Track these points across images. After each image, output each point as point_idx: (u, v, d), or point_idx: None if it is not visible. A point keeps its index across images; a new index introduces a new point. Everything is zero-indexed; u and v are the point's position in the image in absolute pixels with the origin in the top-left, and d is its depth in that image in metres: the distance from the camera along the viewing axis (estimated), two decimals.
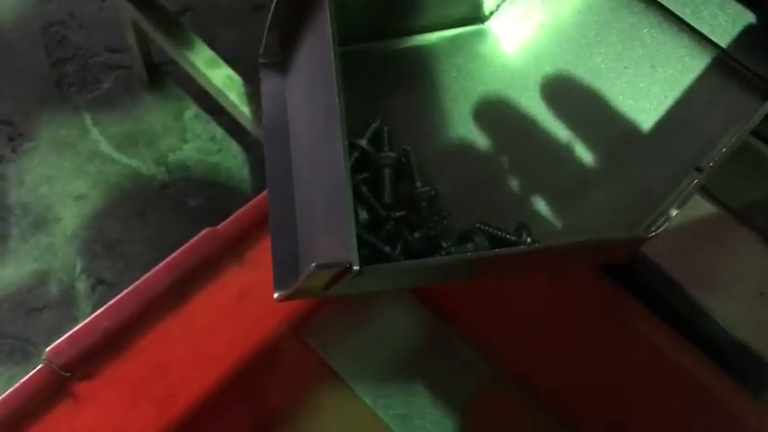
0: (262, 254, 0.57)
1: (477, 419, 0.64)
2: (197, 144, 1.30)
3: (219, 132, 1.31)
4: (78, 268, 1.19)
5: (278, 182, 0.43)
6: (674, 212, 0.34)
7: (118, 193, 1.24)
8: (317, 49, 0.39)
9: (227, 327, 0.59)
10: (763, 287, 0.51)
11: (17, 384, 0.49)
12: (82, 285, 1.18)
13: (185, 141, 1.30)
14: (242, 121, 1.16)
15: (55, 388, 0.49)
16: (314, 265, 0.33)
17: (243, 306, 0.59)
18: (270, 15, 0.42)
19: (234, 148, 1.29)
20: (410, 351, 0.66)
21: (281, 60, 0.44)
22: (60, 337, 0.48)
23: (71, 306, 1.16)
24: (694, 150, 0.37)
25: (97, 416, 0.52)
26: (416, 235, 0.41)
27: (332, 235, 0.35)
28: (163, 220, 1.24)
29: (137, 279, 0.51)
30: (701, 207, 0.49)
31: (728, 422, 0.54)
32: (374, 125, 0.44)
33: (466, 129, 0.44)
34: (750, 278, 0.51)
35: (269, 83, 0.45)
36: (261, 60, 0.45)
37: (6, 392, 0.48)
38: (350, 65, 0.39)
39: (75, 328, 0.49)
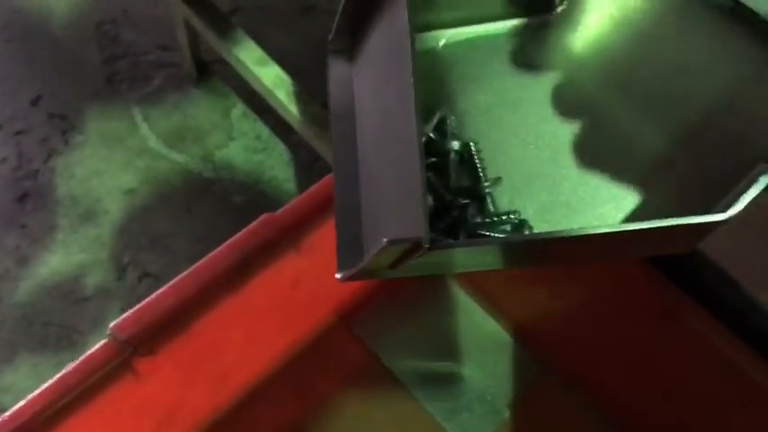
0: (317, 241, 0.58)
1: (525, 417, 0.64)
2: (243, 142, 1.32)
3: (265, 131, 1.33)
4: (125, 260, 1.21)
5: (343, 165, 0.44)
6: (743, 201, 0.34)
7: (165, 187, 1.27)
8: (392, 35, 0.40)
9: (280, 312, 0.60)
10: None
11: (81, 357, 0.50)
12: (128, 277, 1.20)
13: (232, 139, 1.32)
14: (289, 120, 1.18)
15: (117, 362, 0.50)
16: (386, 240, 0.34)
17: (296, 293, 0.60)
18: (342, 2, 0.43)
19: (279, 147, 1.31)
20: (459, 345, 0.66)
21: (350, 46, 0.45)
22: (108, 326, 0.50)
23: (117, 297, 1.18)
24: (759, 141, 0.37)
25: (156, 392, 0.53)
26: (479, 219, 0.42)
27: (403, 212, 0.36)
28: (208, 215, 1.26)
29: (182, 272, 0.53)
30: (763, 204, 0.49)
31: None
32: (439, 114, 0.45)
33: (532, 119, 0.44)
34: None
35: (337, 68, 0.46)
36: (330, 47, 0.46)
37: (70, 365, 0.50)
38: (418, 52, 0.40)
39: (137, 306, 0.51)
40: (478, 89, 0.45)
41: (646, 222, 0.33)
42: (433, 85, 0.45)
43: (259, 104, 1.27)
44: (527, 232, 0.41)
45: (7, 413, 0.47)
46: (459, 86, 0.45)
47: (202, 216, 1.25)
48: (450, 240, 0.39)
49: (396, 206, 0.37)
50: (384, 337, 0.66)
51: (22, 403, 0.48)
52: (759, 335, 0.53)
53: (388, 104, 0.40)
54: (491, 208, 0.42)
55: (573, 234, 0.34)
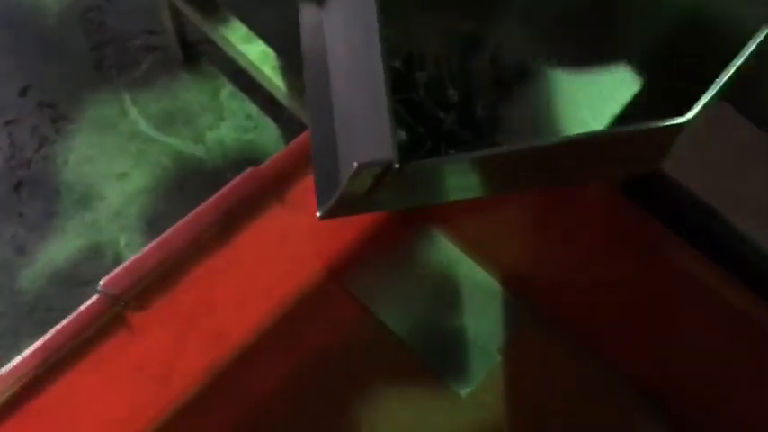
0: (303, 195, 0.59)
1: (516, 361, 0.65)
2: (233, 121, 1.32)
3: (255, 110, 1.33)
4: (122, 243, 1.22)
5: (317, 105, 0.45)
6: (701, 104, 0.34)
7: (158, 170, 1.28)
8: None
9: (270, 267, 0.61)
10: None
11: (73, 313, 0.51)
12: (126, 260, 1.21)
13: (222, 119, 1.32)
14: (277, 95, 1.18)
15: (109, 317, 0.51)
16: (356, 164, 0.35)
17: (284, 248, 0.61)
18: None
19: (269, 124, 1.32)
20: (449, 294, 0.67)
21: None
22: None
23: None
24: (729, 46, 0.37)
25: (149, 347, 0.54)
26: (452, 152, 0.43)
27: (373, 137, 0.36)
28: (202, 196, 1.25)
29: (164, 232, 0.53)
30: (739, 132, 0.50)
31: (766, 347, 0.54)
32: (406, 47, 0.45)
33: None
34: None
35: (307, 14, 0.47)
36: None
37: (63, 321, 0.51)
38: None
39: (126, 261, 0.52)
40: (436, 18, 0.46)
41: (612, 129, 0.34)
42: (401, 18, 0.45)
43: (247, 83, 1.27)
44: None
45: (4, 369, 0.48)
46: (417, 17, 0.46)
47: (196, 196, 1.25)
48: (424, 160, 0.40)
49: (366, 134, 0.38)
50: (373, 288, 0.66)
51: (17, 360, 0.49)
52: (739, 261, 0.54)
53: (355, 40, 0.41)
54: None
55: (536, 145, 0.35)
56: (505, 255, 0.66)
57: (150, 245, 0.53)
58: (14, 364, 0.49)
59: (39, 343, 0.50)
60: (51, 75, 1.35)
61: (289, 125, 1.31)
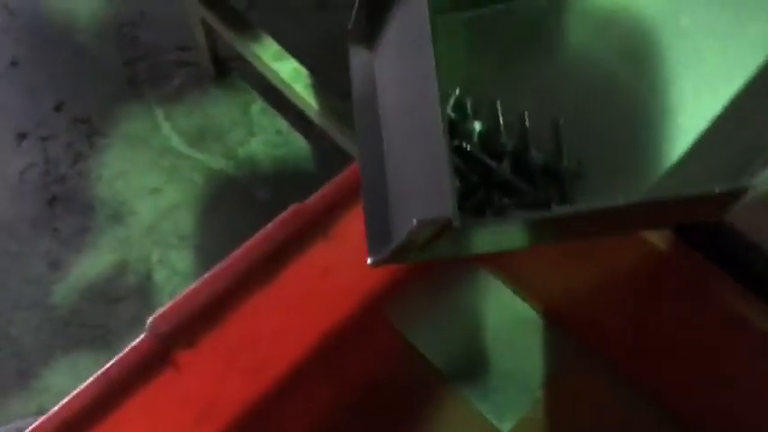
0: (346, 229, 0.59)
1: (559, 398, 0.64)
2: (264, 137, 1.33)
3: (285, 126, 1.34)
4: (154, 259, 1.23)
5: (369, 152, 0.45)
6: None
7: (190, 186, 1.28)
8: (410, 20, 0.40)
9: (312, 302, 0.61)
10: None
11: (121, 353, 0.51)
12: (158, 276, 1.22)
13: (252, 135, 1.33)
14: (308, 113, 1.19)
15: (157, 356, 0.51)
16: (416, 220, 0.35)
17: (328, 282, 0.61)
18: None
19: (299, 140, 1.32)
20: (491, 328, 0.67)
21: (369, 33, 0.46)
22: (141, 325, 0.51)
23: (148, 296, 1.20)
24: None
25: (194, 384, 0.54)
26: (506, 201, 0.42)
27: (431, 193, 0.36)
28: (233, 211, 1.27)
29: (210, 269, 0.53)
30: None
31: None
32: (455, 94, 0.45)
33: (549, 95, 0.44)
34: None
35: (358, 56, 0.47)
36: (350, 36, 0.46)
37: (113, 360, 0.51)
38: (437, 35, 0.40)
39: (174, 300, 0.52)
40: (492, 67, 0.46)
41: (668, 193, 0.34)
42: (451, 67, 0.45)
43: (278, 99, 1.28)
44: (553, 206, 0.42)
45: (53, 409, 0.49)
46: (477, 66, 0.46)
47: (228, 212, 1.27)
48: (480, 218, 0.39)
49: (423, 188, 0.38)
50: (415, 321, 0.66)
51: (66, 400, 0.49)
52: None
53: (409, 89, 0.41)
54: (517, 186, 0.43)
55: (597, 207, 0.34)
56: (549, 289, 0.65)
57: (198, 282, 0.53)
58: (63, 403, 0.49)
59: (87, 383, 0.50)
60: (85, 90, 1.36)
61: (319, 142, 1.31)
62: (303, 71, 1.18)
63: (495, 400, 0.65)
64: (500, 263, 0.68)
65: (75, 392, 0.49)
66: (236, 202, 1.27)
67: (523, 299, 0.67)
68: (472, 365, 0.66)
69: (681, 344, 0.61)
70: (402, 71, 0.42)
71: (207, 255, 1.23)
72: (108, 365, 0.50)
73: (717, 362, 0.59)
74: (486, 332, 0.67)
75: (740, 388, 0.58)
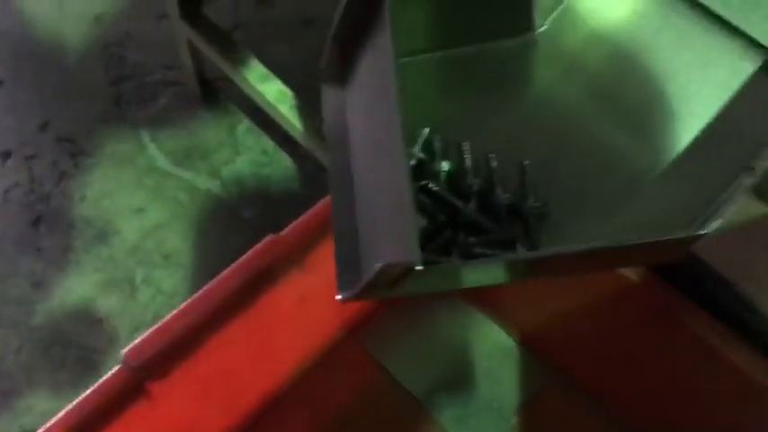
0: (321, 259, 0.59)
1: (533, 422, 0.65)
2: (249, 157, 1.33)
3: (271, 146, 1.34)
4: (139, 279, 1.23)
5: (340, 188, 0.45)
6: (726, 212, 0.35)
7: (175, 205, 1.29)
8: (378, 62, 0.41)
9: (288, 331, 0.61)
10: None
11: (95, 384, 0.52)
12: (142, 296, 1.22)
13: (238, 154, 1.33)
14: (293, 134, 1.19)
15: (131, 387, 0.52)
16: (380, 264, 0.35)
17: (303, 310, 0.61)
18: (332, 30, 0.44)
19: (285, 160, 1.33)
20: (466, 354, 0.67)
21: (341, 73, 0.47)
22: (124, 345, 0.51)
23: (132, 316, 1.20)
24: (745, 151, 0.38)
25: (170, 415, 0.55)
26: (472, 239, 0.43)
27: (396, 236, 0.37)
28: (218, 231, 1.27)
29: (195, 288, 0.54)
30: (752, 208, 0.50)
31: None
32: (425, 135, 0.46)
33: (516, 135, 0.45)
34: None
35: (330, 94, 0.47)
36: (322, 75, 0.47)
37: (85, 393, 0.51)
38: (403, 76, 0.41)
39: (148, 331, 0.52)
40: (461, 108, 0.47)
41: (629, 239, 0.34)
42: (420, 107, 0.46)
43: (263, 119, 1.28)
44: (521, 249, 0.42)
45: None
46: (446, 106, 0.47)
47: (212, 232, 1.27)
48: (444, 262, 0.40)
49: (388, 230, 0.38)
50: (392, 349, 0.67)
51: (41, 430, 0.50)
52: (756, 334, 0.54)
53: (376, 130, 0.41)
54: (483, 224, 0.43)
55: (556, 252, 0.35)
56: (525, 318, 0.66)
57: (171, 314, 0.53)
58: None
59: (61, 414, 0.50)
60: (71, 109, 1.37)
61: (305, 161, 1.32)
62: (288, 92, 1.19)
63: (472, 427, 0.65)
64: (478, 292, 0.68)
65: (48, 424, 0.49)
66: (221, 222, 1.28)
67: (500, 327, 0.68)
68: (448, 393, 0.66)
69: (653, 371, 0.62)
70: (370, 112, 0.43)
71: (192, 274, 1.23)
72: (82, 397, 0.51)
73: (690, 388, 0.60)
74: (463, 360, 0.67)
75: (710, 414, 0.59)
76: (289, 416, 0.63)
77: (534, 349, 0.66)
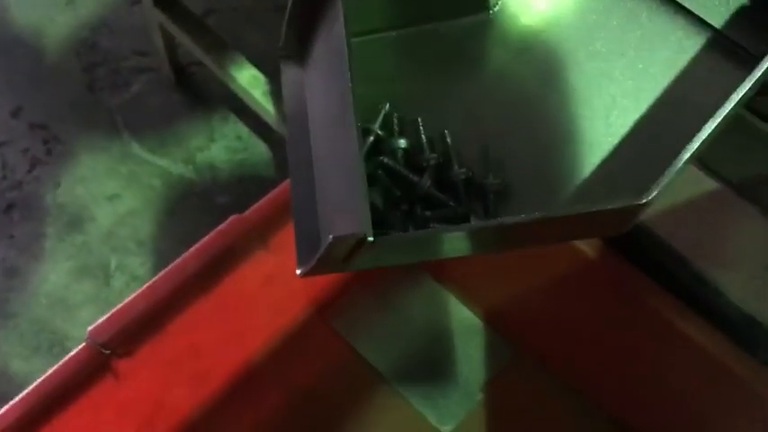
0: (286, 239, 0.60)
1: (499, 399, 0.66)
2: (224, 143, 1.33)
3: (245, 131, 1.34)
4: (113, 265, 1.23)
5: (299, 166, 0.46)
6: (663, 182, 0.36)
7: (149, 192, 1.29)
8: (332, 41, 0.42)
9: (255, 310, 0.62)
10: (767, 260, 0.52)
11: (60, 362, 0.52)
12: (116, 282, 1.22)
13: (212, 140, 1.34)
14: (267, 119, 1.20)
15: (96, 365, 0.52)
16: (331, 236, 0.36)
17: (269, 290, 0.62)
18: (287, 11, 0.45)
19: (259, 146, 1.33)
20: (433, 332, 0.68)
21: (299, 53, 0.47)
22: None
23: (106, 302, 1.20)
24: (691, 126, 0.39)
25: (136, 392, 0.55)
26: (428, 213, 0.44)
27: (348, 209, 0.38)
28: (192, 217, 1.28)
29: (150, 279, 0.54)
30: (705, 183, 0.51)
31: (740, 393, 0.56)
32: (384, 111, 0.47)
33: (472, 113, 0.46)
34: (755, 252, 0.53)
35: (289, 74, 0.48)
36: (280, 53, 0.48)
37: (50, 369, 0.52)
38: (361, 55, 0.42)
39: (113, 309, 0.53)
40: (421, 86, 0.47)
41: (571, 209, 0.35)
42: (377, 85, 0.47)
43: (238, 105, 1.28)
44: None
45: None
46: (402, 84, 0.47)
47: (187, 218, 1.27)
48: (394, 234, 0.41)
49: (342, 203, 0.39)
50: (359, 327, 0.68)
51: (6, 406, 0.50)
52: (710, 309, 0.55)
53: (331, 107, 0.42)
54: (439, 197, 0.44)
55: (505, 222, 0.36)
56: (489, 294, 0.67)
57: (135, 293, 0.54)
58: (3, 410, 0.50)
59: (27, 390, 0.51)
60: (43, 95, 1.36)
61: (278, 147, 1.32)
62: (261, 78, 1.19)
63: (437, 404, 0.66)
64: (444, 270, 0.69)
65: (12, 402, 0.50)
66: (195, 208, 1.28)
67: (466, 305, 0.69)
68: (414, 369, 0.67)
69: (613, 347, 0.63)
70: (326, 89, 0.44)
71: (166, 260, 1.22)
72: (46, 374, 0.51)
73: (646, 362, 0.61)
74: (429, 337, 0.68)
75: (669, 387, 0.60)
76: (257, 394, 0.63)
77: (499, 327, 0.67)
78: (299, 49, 0.47)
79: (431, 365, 0.68)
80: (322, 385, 0.66)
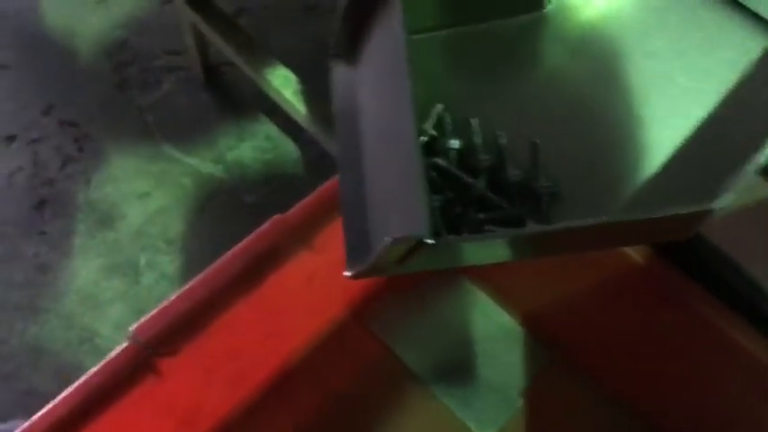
0: (327, 239, 0.59)
1: (537, 405, 0.65)
2: (253, 142, 1.33)
3: (274, 131, 1.34)
4: (142, 263, 1.23)
5: (348, 165, 0.45)
6: (734, 188, 0.35)
7: (178, 190, 1.29)
8: (388, 41, 0.41)
9: (294, 311, 0.61)
10: None
11: (104, 360, 0.52)
12: (146, 280, 1.22)
13: (242, 140, 1.34)
14: (297, 118, 1.19)
15: (139, 363, 0.52)
16: (390, 238, 0.36)
17: (309, 290, 0.61)
18: (341, 11, 0.44)
19: (288, 145, 1.33)
20: (470, 336, 0.68)
21: (350, 52, 0.47)
22: (126, 328, 0.52)
23: (136, 299, 1.20)
24: (754, 131, 0.38)
25: (176, 392, 0.55)
26: (482, 216, 0.43)
27: (406, 210, 0.37)
28: (221, 216, 1.28)
29: (197, 273, 0.54)
30: (759, 189, 0.50)
31: None
32: (437, 111, 0.46)
33: (524, 113, 0.45)
34: None
35: (339, 73, 0.47)
36: (331, 52, 0.47)
37: (94, 369, 0.52)
38: (414, 54, 0.41)
39: (157, 308, 0.53)
40: (471, 85, 0.47)
41: (639, 213, 0.34)
42: (430, 85, 0.46)
43: (267, 105, 1.28)
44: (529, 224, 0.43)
45: (34, 417, 0.49)
46: (457, 83, 0.47)
47: (216, 217, 1.27)
48: (454, 236, 0.40)
49: (399, 204, 0.39)
50: (397, 330, 0.67)
51: (46, 408, 0.50)
52: (762, 316, 0.54)
53: (387, 106, 0.41)
54: (494, 201, 0.44)
55: (564, 227, 0.35)
56: (529, 299, 0.66)
57: (179, 292, 0.54)
58: (45, 410, 0.50)
59: (70, 389, 0.51)
60: (75, 94, 1.37)
61: (308, 146, 1.32)
62: (292, 77, 1.19)
63: (476, 409, 0.65)
64: (482, 273, 0.68)
65: (56, 400, 0.50)
66: (224, 207, 1.28)
67: (504, 308, 0.68)
68: (453, 374, 0.67)
69: (657, 355, 0.62)
70: (380, 89, 0.43)
71: (195, 259, 1.23)
72: (90, 373, 0.51)
73: (695, 372, 0.60)
74: (468, 341, 0.67)
75: (720, 401, 0.59)
76: (294, 394, 0.63)
77: (538, 332, 0.66)
78: (350, 48, 0.47)
79: (470, 370, 0.67)
80: (358, 388, 0.65)
